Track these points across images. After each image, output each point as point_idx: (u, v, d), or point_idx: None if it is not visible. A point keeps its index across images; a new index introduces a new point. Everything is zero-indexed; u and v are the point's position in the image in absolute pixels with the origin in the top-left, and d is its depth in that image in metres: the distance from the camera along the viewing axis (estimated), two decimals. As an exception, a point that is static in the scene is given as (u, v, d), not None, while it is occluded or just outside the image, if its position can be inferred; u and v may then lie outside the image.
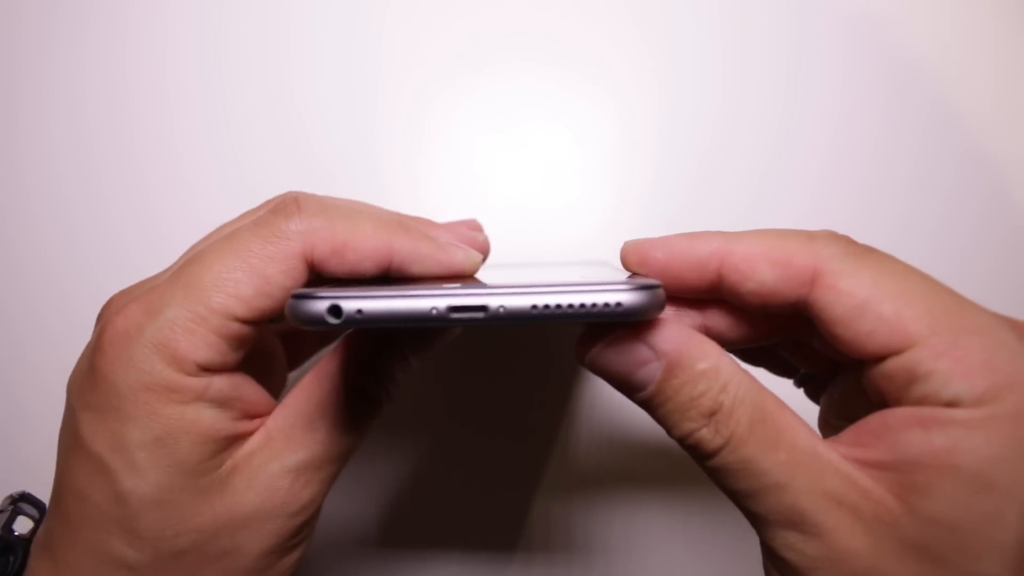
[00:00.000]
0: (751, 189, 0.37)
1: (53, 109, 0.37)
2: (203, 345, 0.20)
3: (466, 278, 0.22)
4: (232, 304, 0.20)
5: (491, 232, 0.30)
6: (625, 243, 0.22)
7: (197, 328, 0.20)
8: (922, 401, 0.17)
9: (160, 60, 0.37)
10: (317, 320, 0.17)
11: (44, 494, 0.25)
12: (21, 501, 0.25)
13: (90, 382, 0.20)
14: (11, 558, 0.23)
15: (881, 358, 0.18)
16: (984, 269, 0.36)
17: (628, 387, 0.20)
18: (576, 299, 0.16)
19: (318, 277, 0.21)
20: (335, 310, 0.17)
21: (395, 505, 0.36)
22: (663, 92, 0.37)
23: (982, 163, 0.36)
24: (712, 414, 0.19)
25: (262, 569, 0.21)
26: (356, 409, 0.22)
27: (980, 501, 0.16)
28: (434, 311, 0.17)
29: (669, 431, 0.20)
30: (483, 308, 0.17)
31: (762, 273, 0.19)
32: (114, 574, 0.20)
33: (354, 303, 0.17)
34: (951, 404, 0.16)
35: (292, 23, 0.37)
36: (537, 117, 0.37)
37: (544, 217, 0.37)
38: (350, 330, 0.22)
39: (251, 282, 0.20)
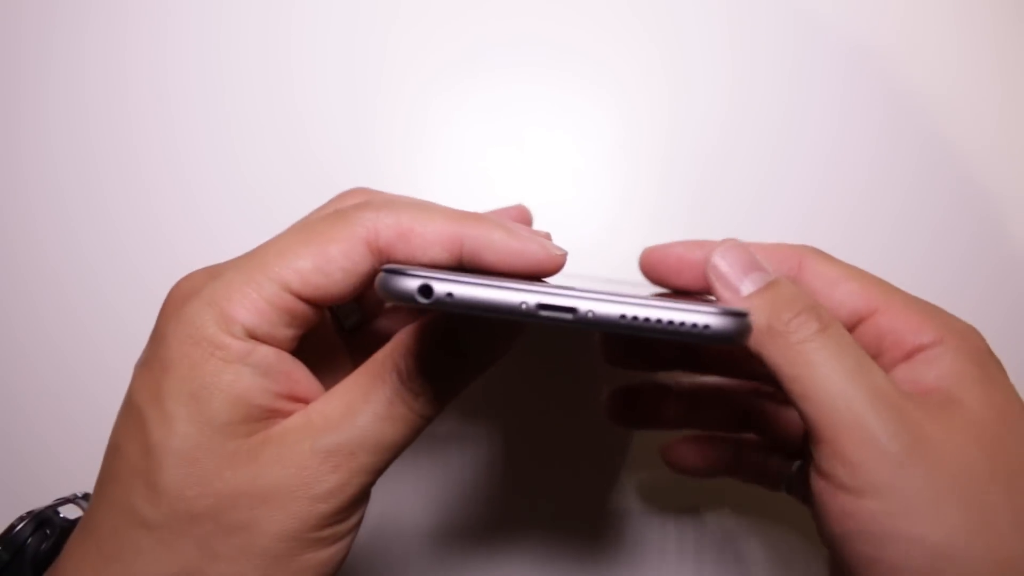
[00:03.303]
0: (744, 208, 0.37)
1: (53, 109, 0.37)
2: (253, 310, 0.20)
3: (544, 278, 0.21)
4: (288, 274, 0.20)
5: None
6: (650, 249, 0.28)
7: (250, 292, 0.20)
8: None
9: (160, 60, 0.37)
10: (406, 296, 0.17)
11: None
12: (83, 499, 0.25)
13: (149, 340, 0.21)
14: (47, 531, 0.23)
15: (860, 320, 0.23)
16: (975, 291, 0.37)
17: (739, 286, 0.23)
18: (666, 315, 0.17)
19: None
20: (426, 290, 0.17)
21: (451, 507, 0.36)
22: (669, 103, 0.37)
23: (974, 190, 0.37)
24: (816, 303, 0.22)
25: (280, 556, 0.20)
26: (404, 404, 0.21)
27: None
28: (524, 305, 0.17)
29: (778, 316, 0.21)
30: (572, 310, 0.17)
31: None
32: (130, 531, 0.19)
33: (446, 285, 0.17)
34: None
35: (292, 24, 0.37)
36: (539, 120, 0.37)
37: (547, 216, 0.37)
38: (434, 311, 0.20)
39: (310, 257, 0.20)
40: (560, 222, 0.37)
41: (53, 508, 0.23)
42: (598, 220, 0.37)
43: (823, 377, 0.20)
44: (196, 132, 0.37)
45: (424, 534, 0.36)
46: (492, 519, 0.36)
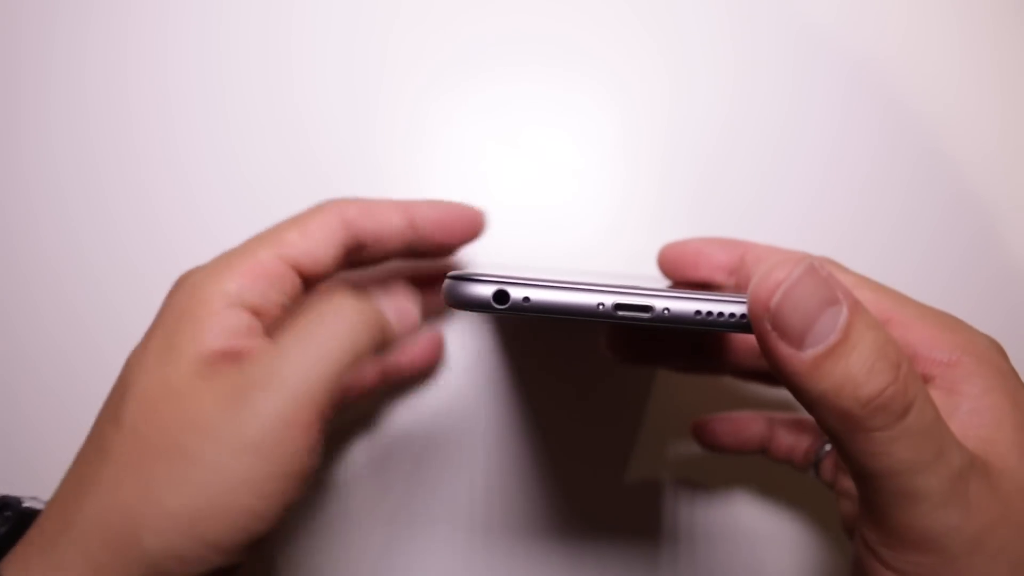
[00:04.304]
0: (744, 209, 0.37)
1: (54, 110, 0.37)
2: (247, 272, 0.24)
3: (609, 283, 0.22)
4: (276, 243, 0.25)
5: (495, 232, 0.32)
6: (671, 244, 0.30)
7: (244, 259, 0.25)
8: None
9: (160, 60, 0.37)
10: (480, 303, 0.17)
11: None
12: None
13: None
14: (7, 513, 0.24)
15: None
16: (970, 299, 0.37)
17: (803, 338, 0.16)
18: (739, 309, 0.17)
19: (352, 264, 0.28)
20: (501, 296, 0.17)
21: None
22: (670, 104, 0.37)
23: (972, 198, 0.37)
24: (898, 366, 0.17)
25: (210, 484, 0.20)
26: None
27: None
28: (601, 307, 0.17)
29: (852, 392, 0.16)
30: (648, 308, 0.17)
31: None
32: (93, 464, 0.22)
33: (521, 290, 0.17)
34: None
35: (293, 23, 0.37)
36: (539, 120, 0.37)
37: (546, 218, 0.37)
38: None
39: (295, 230, 0.26)
40: (559, 223, 0.37)
41: (17, 498, 0.24)
42: (598, 221, 0.37)
43: (893, 474, 0.17)
44: (196, 132, 0.37)
45: (441, 525, 0.36)
46: (505, 510, 0.36)
